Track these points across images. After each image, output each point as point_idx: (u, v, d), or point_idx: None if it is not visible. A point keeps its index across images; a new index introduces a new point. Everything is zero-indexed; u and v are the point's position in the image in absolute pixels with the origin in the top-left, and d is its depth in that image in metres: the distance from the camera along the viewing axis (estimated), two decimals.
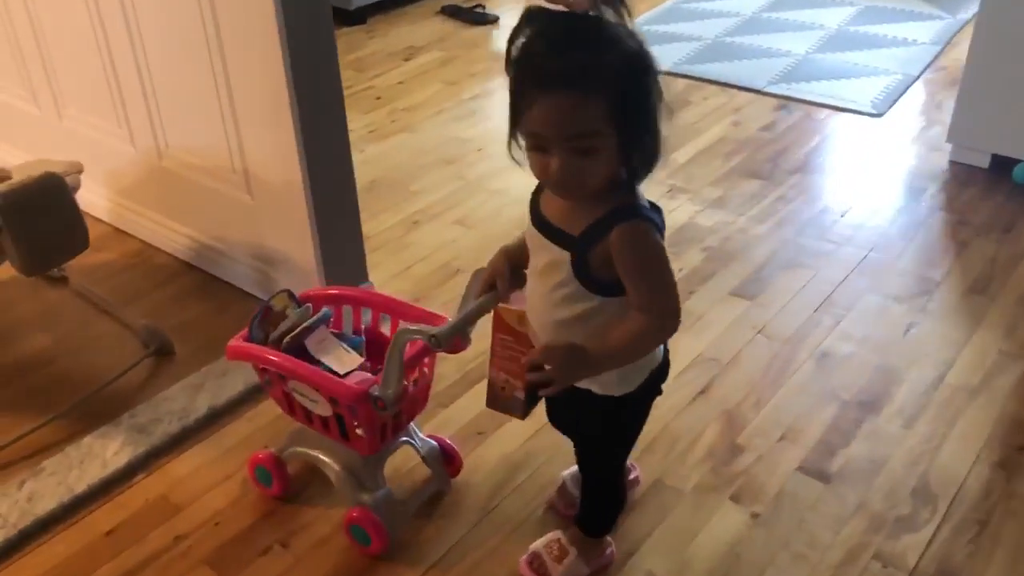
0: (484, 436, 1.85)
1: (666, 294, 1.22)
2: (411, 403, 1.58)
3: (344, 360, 1.59)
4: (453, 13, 4.19)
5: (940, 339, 2.10)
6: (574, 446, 1.53)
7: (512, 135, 1.22)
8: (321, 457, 1.64)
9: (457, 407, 1.93)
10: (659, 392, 1.40)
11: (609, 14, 1.12)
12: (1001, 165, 2.74)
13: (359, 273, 2.16)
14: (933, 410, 1.89)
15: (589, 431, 1.43)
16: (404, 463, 1.76)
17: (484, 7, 4.23)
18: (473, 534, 1.65)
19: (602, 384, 1.31)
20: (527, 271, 1.34)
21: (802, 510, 1.68)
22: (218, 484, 1.76)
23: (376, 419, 1.50)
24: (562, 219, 1.24)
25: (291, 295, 1.65)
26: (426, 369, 1.58)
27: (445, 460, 1.73)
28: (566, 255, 1.22)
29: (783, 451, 1.81)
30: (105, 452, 1.80)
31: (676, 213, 2.59)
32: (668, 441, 1.83)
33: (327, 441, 1.61)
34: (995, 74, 2.63)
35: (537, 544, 1.58)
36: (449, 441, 1.75)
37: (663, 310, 1.22)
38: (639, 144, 1.17)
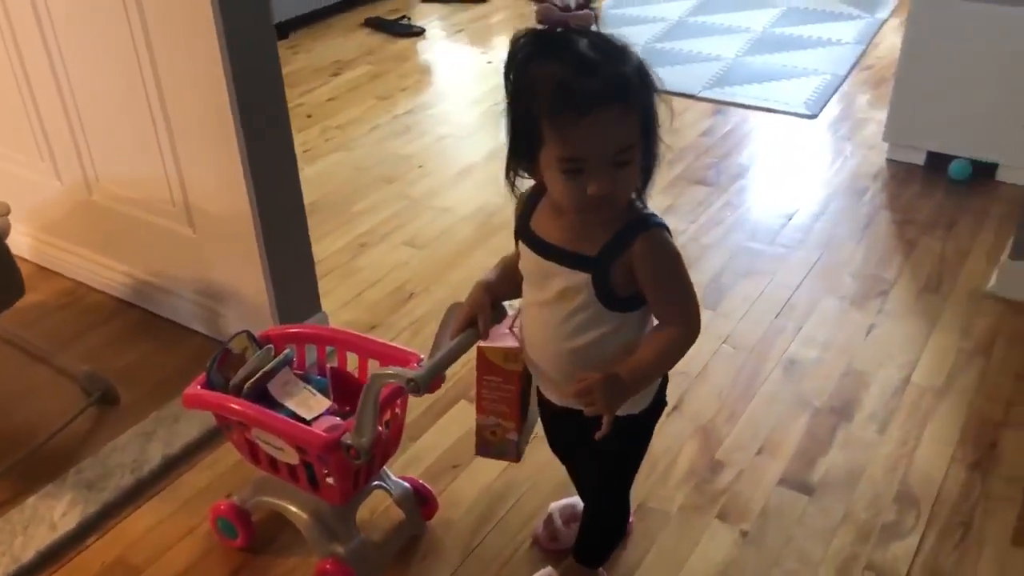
0: (460, 469, 1.78)
1: (690, 300, 1.20)
2: (384, 446, 1.50)
3: (311, 404, 1.51)
4: (378, 26, 4.10)
5: (901, 340, 2.11)
6: (574, 473, 1.48)
7: (516, 168, 1.16)
8: (288, 507, 1.54)
9: (427, 440, 1.85)
10: (666, 403, 1.36)
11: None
12: (937, 161, 2.79)
13: (312, 303, 2.07)
14: (904, 413, 1.90)
15: (605, 454, 1.36)
16: (378, 504, 1.68)
17: (409, 19, 4.15)
18: None
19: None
20: (524, 304, 1.28)
21: (789, 525, 1.66)
22: (180, 540, 1.65)
23: (348, 467, 1.42)
24: (572, 241, 1.18)
25: (251, 336, 1.56)
26: (398, 411, 1.51)
27: (419, 502, 1.65)
28: (585, 277, 1.17)
29: (763, 465, 1.79)
30: (52, 514, 1.67)
31: None
32: (648, 462, 1.75)
33: (294, 489, 1.52)
34: (927, 74, 2.68)
35: None
36: (422, 482, 1.67)
37: (688, 317, 1.19)
38: (654, 153, 1.14)
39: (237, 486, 1.73)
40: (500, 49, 3.82)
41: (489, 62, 3.73)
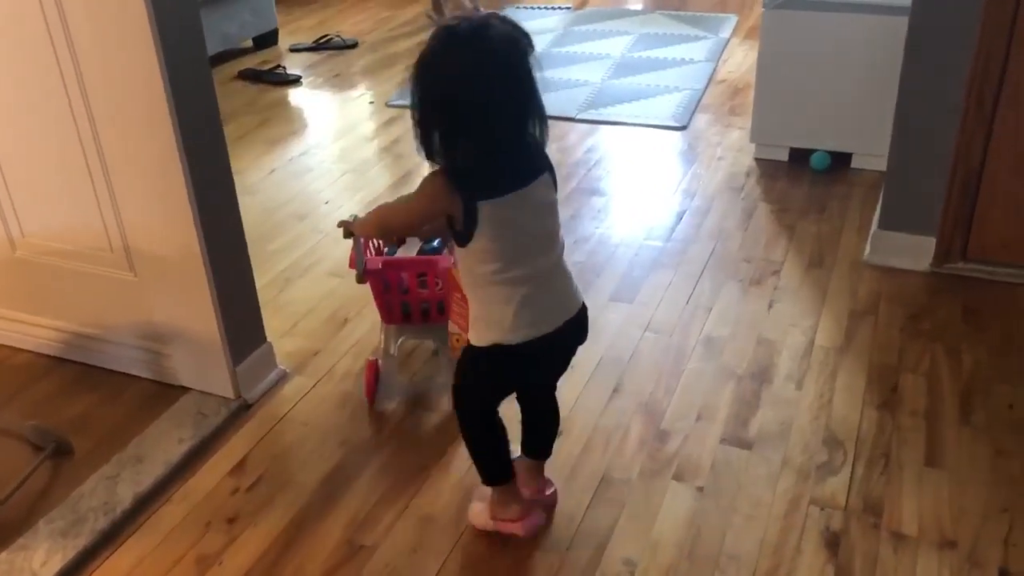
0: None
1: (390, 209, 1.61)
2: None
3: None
4: (253, 77, 4.15)
5: (800, 310, 2.35)
6: None
7: None
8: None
9: None
10: (489, 355, 1.54)
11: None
12: (798, 156, 3.11)
13: (258, 334, 2.12)
14: (815, 370, 2.13)
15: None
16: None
17: (284, 68, 4.22)
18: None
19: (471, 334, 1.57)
20: None
21: (738, 476, 1.84)
22: (168, 571, 1.67)
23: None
24: None
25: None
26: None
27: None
28: None
29: (704, 429, 1.96)
30: (31, 564, 1.65)
31: None
32: (601, 440, 1.94)
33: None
34: (783, 79, 2.99)
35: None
36: None
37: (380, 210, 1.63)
38: (428, 133, 1.40)
39: (214, 513, 1.77)
40: (378, 89, 3.95)
41: (371, 102, 3.84)
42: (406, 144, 3.42)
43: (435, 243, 2.04)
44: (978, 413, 1.97)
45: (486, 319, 1.51)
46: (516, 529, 1.69)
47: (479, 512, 1.73)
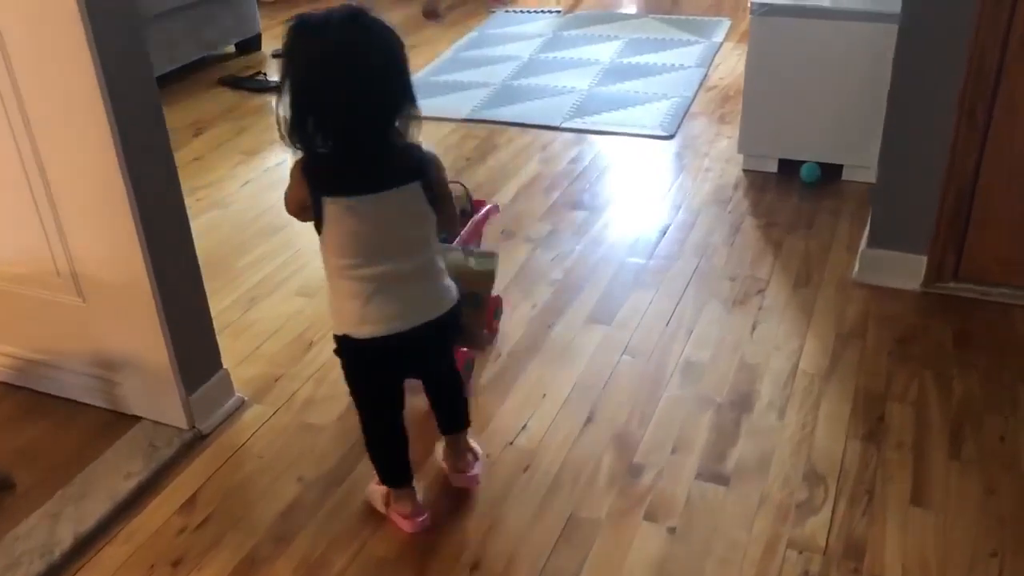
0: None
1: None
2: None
3: None
4: (234, 83, 4.05)
5: (784, 332, 2.25)
6: None
7: None
8: None
9: None
10: (364, 369, 1.60)
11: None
12: (787, 167, 3.00)
13: (213, 361, 2.03)
14: (798, 398, 2.03)
15: None
16: None
17: (265, 74, 4.13)
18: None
19: None
20: None
21: (712, 516, 1.74)
22: None
23: None
24: None
25: None
26: None
27: None
28: None
29: (679, 462, 1.87)
30: None
31: (515, 253, 2.61)
32: (571, 474, 1.84)
33: None
34: (771, 88, 2.89)
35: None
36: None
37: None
38: (286, 120, 1.42)
39: (159, 555, 1.68)
40: None
41: None
42: None
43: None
44: (968, 446, 1.87)
45: (338, 309, 1.54)
46: (405, 526, 1.70)
47: (375, 492, 1.76)
